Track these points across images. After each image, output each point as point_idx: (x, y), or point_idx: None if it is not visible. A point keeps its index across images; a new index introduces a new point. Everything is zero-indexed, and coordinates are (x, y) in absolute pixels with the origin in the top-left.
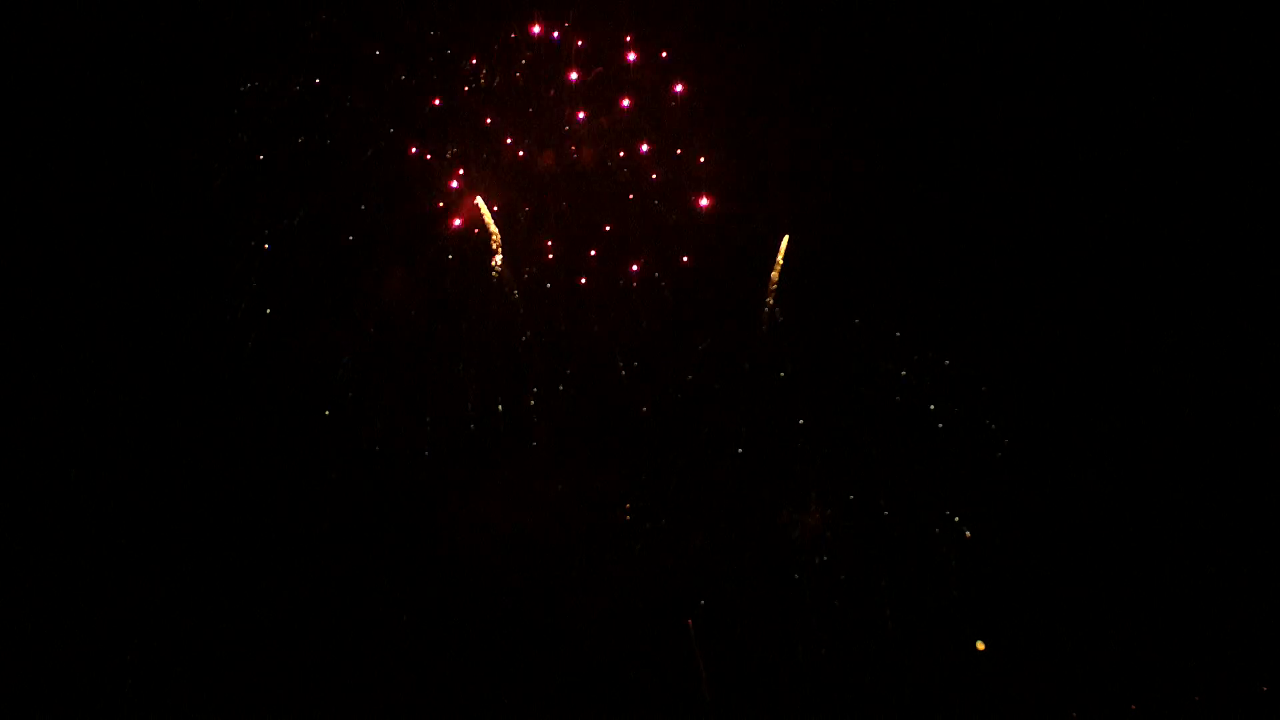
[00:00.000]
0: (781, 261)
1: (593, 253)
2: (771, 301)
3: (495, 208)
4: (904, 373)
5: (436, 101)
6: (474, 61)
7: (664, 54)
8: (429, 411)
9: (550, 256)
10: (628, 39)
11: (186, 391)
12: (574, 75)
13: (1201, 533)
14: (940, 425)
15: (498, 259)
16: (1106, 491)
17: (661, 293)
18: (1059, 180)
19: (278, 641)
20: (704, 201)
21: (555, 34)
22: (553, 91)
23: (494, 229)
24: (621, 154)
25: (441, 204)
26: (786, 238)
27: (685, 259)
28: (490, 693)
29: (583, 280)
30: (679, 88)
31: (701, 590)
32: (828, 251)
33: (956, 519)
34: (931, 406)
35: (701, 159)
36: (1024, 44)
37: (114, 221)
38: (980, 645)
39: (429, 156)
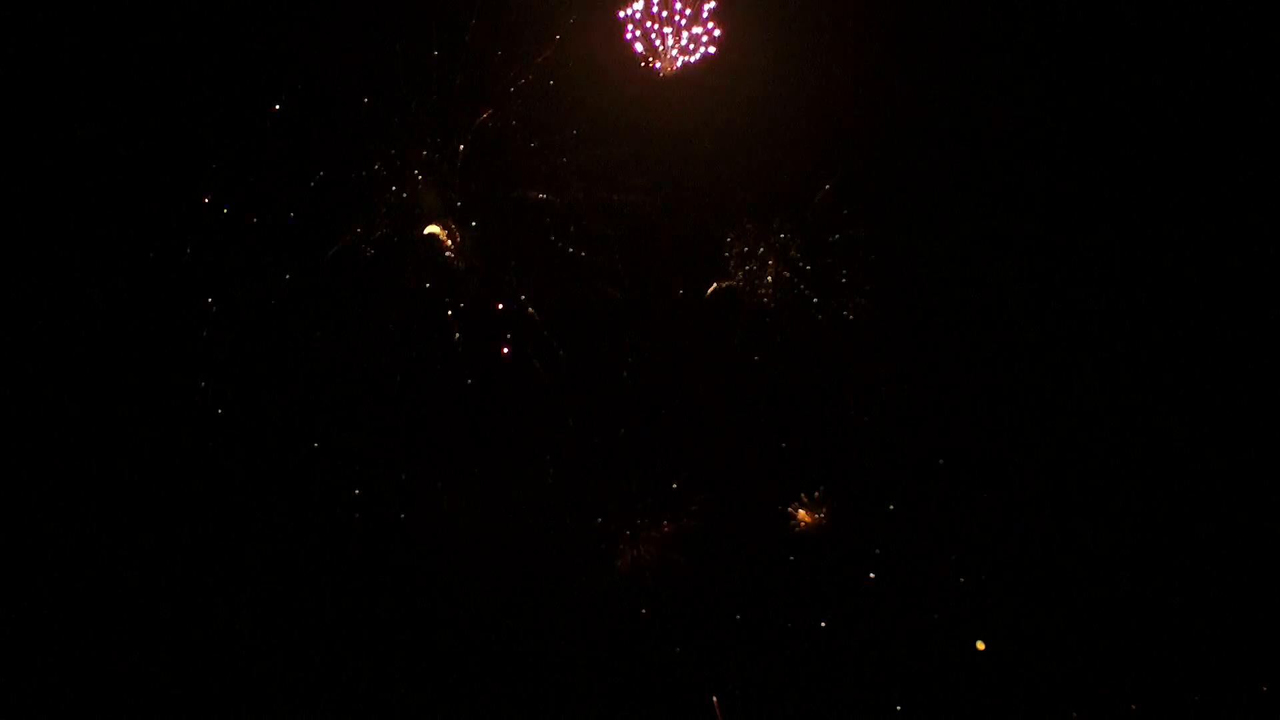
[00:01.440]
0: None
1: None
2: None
3: (459, 236)
4: (905, 372)
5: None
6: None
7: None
8: (409, 422)
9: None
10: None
11: (170, 403)
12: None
13: (1201, 533)
14: (940, 426)
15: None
16: (1106, 492)
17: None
18: (1057, 189)
19: (269, 646)
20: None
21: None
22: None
23: (453, 247)
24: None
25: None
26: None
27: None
28: (481, 696)
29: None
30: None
31: (697, 590)
32: (826, 253)
33: (956, 520)
34: (931, 407)
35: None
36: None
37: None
38: (980, 645)
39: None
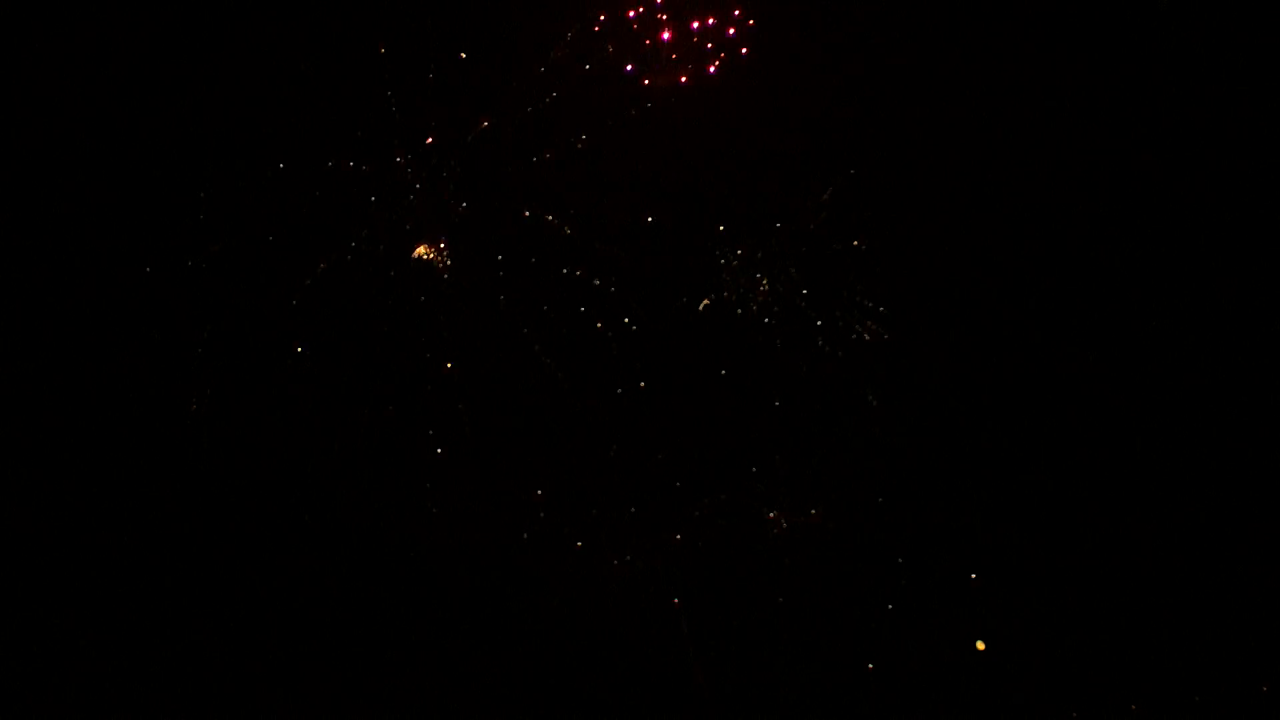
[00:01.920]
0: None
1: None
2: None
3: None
4: (902, 367)
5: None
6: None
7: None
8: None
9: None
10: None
11: (169, 401)
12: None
13: (1201, 533)
14: (938, 422)
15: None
16: (1106, 491)
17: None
18: (1083, 201)
19: (264, 647)
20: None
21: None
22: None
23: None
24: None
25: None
26: None
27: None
28: (477, 695)
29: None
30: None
31: (693, 591)
32: (828, 266)
33: (955, 517)
34: (929, 403)
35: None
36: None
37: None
38: (980, 645)
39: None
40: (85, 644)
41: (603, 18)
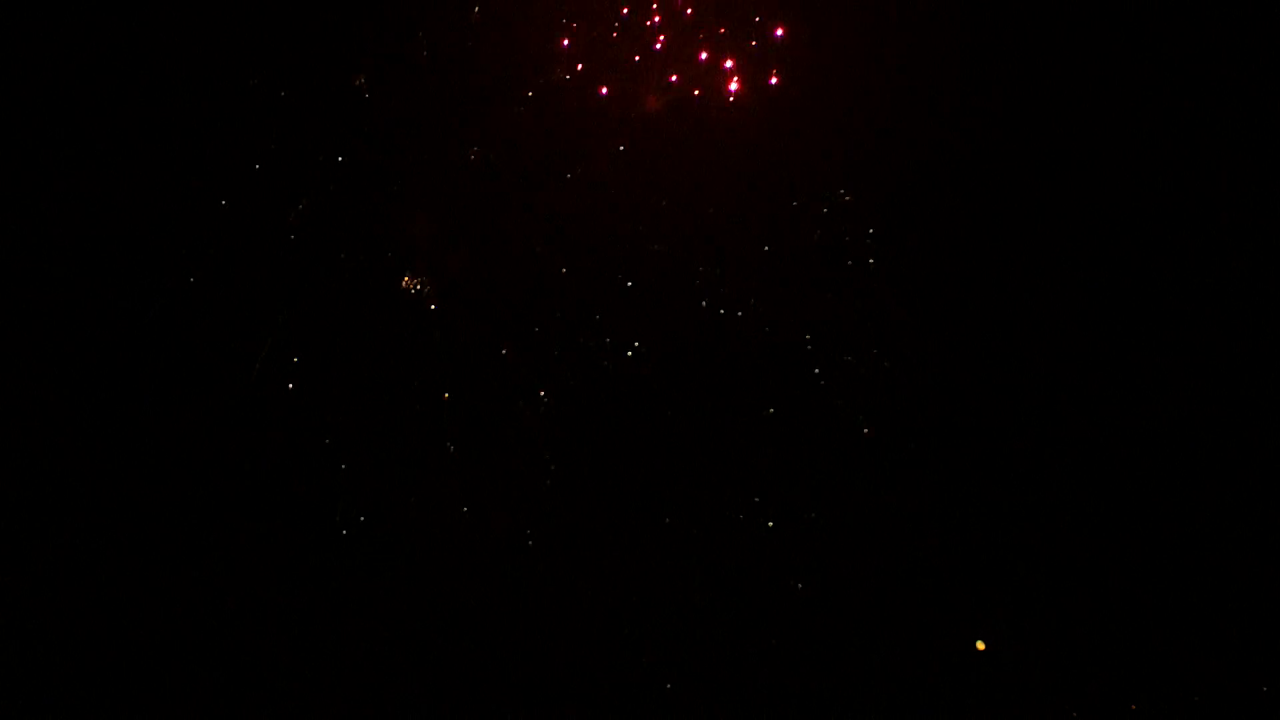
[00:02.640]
0: None
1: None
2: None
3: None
4: (903, 366)
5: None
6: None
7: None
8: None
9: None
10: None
11: (185, 400)
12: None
13: (1201, 533)
14: (937, 422)
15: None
16: (1106, 490)
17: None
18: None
19: (265, 647)
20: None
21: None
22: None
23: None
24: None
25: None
26: None
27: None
28: (478, 696)
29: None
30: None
31: (692, 591)
32: (831, 287)
33: (954, 518)
34: (927, 401)
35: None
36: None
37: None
38: (980, 645)
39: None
40: (78, 645)
41: (575, 26)
